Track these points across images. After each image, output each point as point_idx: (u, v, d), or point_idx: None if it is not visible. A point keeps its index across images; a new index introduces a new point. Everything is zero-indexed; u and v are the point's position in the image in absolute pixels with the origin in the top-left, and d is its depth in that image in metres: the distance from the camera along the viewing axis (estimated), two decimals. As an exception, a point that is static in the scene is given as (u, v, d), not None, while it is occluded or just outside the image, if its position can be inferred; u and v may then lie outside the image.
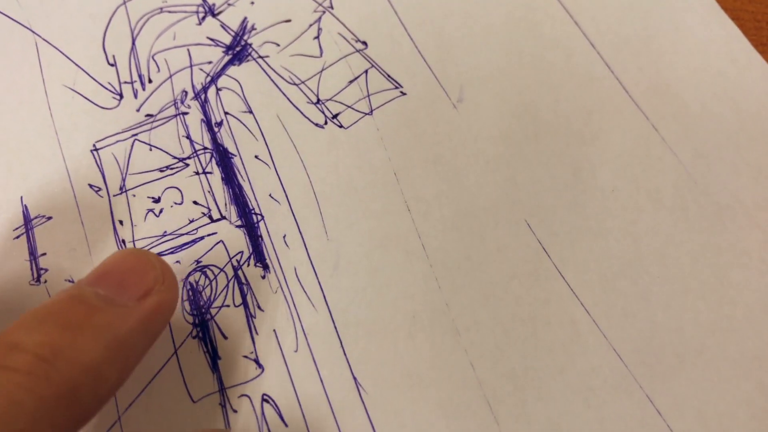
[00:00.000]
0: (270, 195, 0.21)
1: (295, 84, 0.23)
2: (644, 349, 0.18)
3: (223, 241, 0.20)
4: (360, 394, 0.18)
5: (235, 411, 0.18)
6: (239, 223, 0.21)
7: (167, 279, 0.16)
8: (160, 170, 0.22)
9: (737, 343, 0.18)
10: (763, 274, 0.19)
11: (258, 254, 0.20)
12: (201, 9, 0.24)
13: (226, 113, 0.23)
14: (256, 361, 0.19)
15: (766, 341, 0.18)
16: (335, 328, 0.19)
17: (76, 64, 0.23)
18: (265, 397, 0.18)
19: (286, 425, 0.18)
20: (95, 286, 0.15)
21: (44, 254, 0.20)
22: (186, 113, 0.23)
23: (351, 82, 0.23)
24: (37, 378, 0.13)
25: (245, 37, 0.24)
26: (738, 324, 0.19)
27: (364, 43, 0.24)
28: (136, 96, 0.23)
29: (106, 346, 0.14)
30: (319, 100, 0.23)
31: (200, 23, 0.24)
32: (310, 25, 0.24)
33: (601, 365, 0.18)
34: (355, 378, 0.18)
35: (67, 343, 0.13)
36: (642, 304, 0.19)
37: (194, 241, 0.20)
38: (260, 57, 0.24)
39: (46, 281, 0.20)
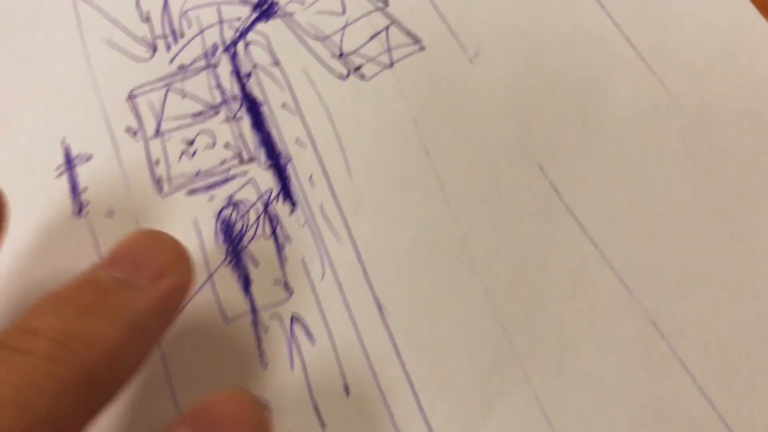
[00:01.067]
0: (297, 139, 0.22)
1: (319, 39, 0.24)
2: (649, 278, 0.20)
3: (253, 180, 0.22)
4: (382, 316, 0.19)
5: (266, 330, 0.19)
6: (268, 164, 0.22)
7: (181, 260, 0.16)
8: (193, 116, 0.23)
9: (737, 272, 0.20)
10: (761, 210, 0.20)
11: (286, 192, 0.21)
12: (230, -30, 0.26)
13: (254, 65, 0.24)
14: (285, 286, 0.20)
15: (763, 272, 0.20)
16: (359, 257, 0.20)
17: (112, 20, 0.25)
18: (294, 317, 0.19)
19: (313, 343, 0.19)
20: (109, 270, 0.15)
21: (85, 189, 0.22)
22: (216, 65, 0.24)
23: (372, 37, 0.24)
24: (55, 361, 0.13)
25: (272, -4, 0.25)
26: (738, 256, 0.20)
27: (386, 1, 0.25)
28: (168, 49, 0.24)
29: (122, 329, 0.14)
30: (342, 53, 0.24)
31: (229, -16, 0.26)
32: (334, -15, 0.25)
33: (608, 293, 0.19)
34: (377, 300, 0.20)
35: (83, 328, 0.14)
36: (648, 239, 0.20)
37: (226, 180, 0.22)
38: (286, 14, 0.25)
39: (87, 214, 0.21)
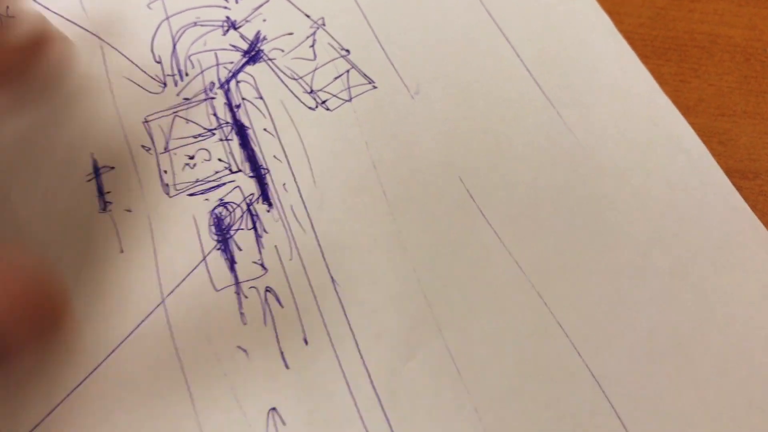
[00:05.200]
0: (274, 156, 0.29)
1: (294, 79, 0.31)
2: (538, 262, 0.26)
3: (239, 186, 0.28)
4: (335, 287, 0.26)
5: (246, 297, 0.25)
6: (251, 174, 0.28)
7: None
8: (194, 137, 0.29)
9: (605, 260, 0.26)
10: (627, 212, 0.27)
11: (264, 196, 0.28)
12: (225, 24, 0.33)
13: (243, 99, 0.30)
14: (262, 265, 0.26)
15: (623, 259, 0.26)
16: (319, 245, 0.26)
17: (131, 61, 0.31)
18: (267, 288, 0.26)
19: (282, 306, 0.25)
20: None
21: (109, 192, 0.28)
22: (213, 98, 0.30)
23: (336, 78, 0.31)
24: None
25: (258, 45, 0.32)
26: (606, 247, 0.26)
27: (347, 50, 0.32)
28: (176, 85, 0.31)
29: None
30: (312, 90, 0.31)
31: (225, 34, 0.32)
32: (308, 37, 0.32)
33: (505, 271, 0.26)
34: (332, 277, 0.26)
35: None
36: (539, 232, 0.27)
37: (218, 186, 0.28)
38: (269, 59, 0.32)
39: (110, 211, 0.27)
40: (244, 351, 0.24)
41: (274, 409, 0.23)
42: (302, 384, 0.24)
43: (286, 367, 0.24)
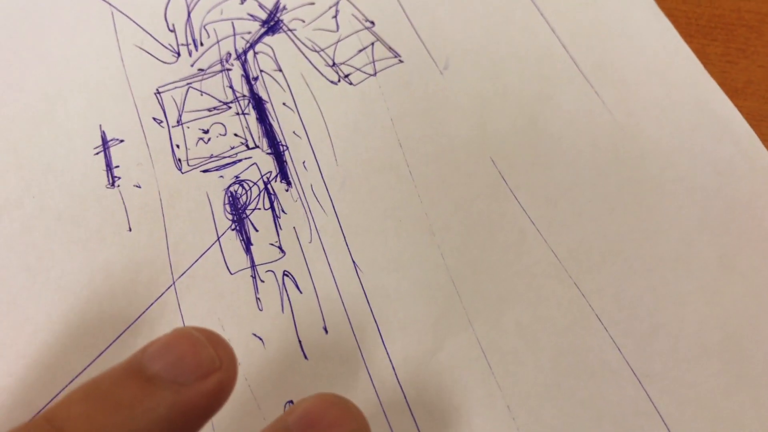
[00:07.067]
0: (293, 132, 0.27)
1: (316, 51, 0.29)
2: (575, 249, 0.24)
3: (256, 163, 0.26)
4: (357, 273, 0.24)
5: (263, 281, 0.24)
6: (269, 151, 0.27)
7: (225, 360, 0.15)
8: (209, 110, 0.28)
9: (646, 247, 0.24)
10: (671, 199, 0.25)
11: (283, 174, 0.26)
12: (243, -8, 0.31)
13: (261, 71, 0.29)
14: (280, 248, 0.24)
15: (667, 247, 0.24)
16: (341, 227, 0.25)
17: (144, 29, 0.30)
18: (285, 272, 0.24)
19: (301, 292, 0.23)
20: (153, 363, 0.15)
21: (117, 166, 0.26)
22: (230, 70, 0.29)
23: (360, 51, 0.29)
24: None
25: (278, 15, 0.30)
26: (647, 234, 0.24)
27: (372, 22, 0.30)
28: (190, 55, 0.29)
29: (157, 425, 0.14)
30: (334, 63, 0.29)
31: (242, 3, 0.30)
32: (330, 7, 0.30)
33: (540, 260, 0.24)
34: (354, 261, 0.24)
35: (113, 424, 0.13)
36: (576, 218, 0.25)
37: (234, 162, 0.26)
38: (289, 30, 0.30)
39: (118, 186, 0.26)
40: (260, 339, 0.23)
41: (291, 402, 0.22)
42: (321, 376, 0.22)
43: (305, 357, 0.23)
